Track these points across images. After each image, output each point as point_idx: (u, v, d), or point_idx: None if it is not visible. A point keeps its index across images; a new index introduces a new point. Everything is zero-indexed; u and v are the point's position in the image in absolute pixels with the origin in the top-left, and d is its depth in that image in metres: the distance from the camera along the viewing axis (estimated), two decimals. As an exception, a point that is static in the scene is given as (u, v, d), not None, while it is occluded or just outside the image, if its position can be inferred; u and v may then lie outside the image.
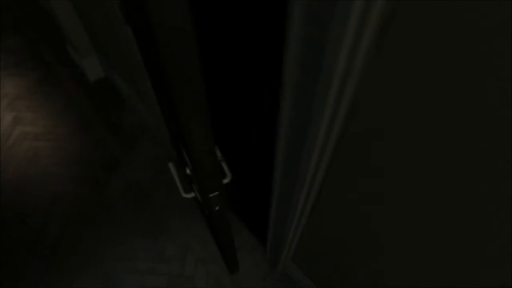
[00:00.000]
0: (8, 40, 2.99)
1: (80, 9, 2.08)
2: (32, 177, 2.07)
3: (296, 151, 0.74)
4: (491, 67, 0.37)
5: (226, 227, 1.06)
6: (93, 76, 2.53)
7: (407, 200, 0.62)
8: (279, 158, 0.83)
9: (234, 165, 2.07)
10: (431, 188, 0.56)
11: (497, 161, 0.43)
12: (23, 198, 1.99)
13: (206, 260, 1.73)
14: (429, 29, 0.39)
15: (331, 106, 0.56)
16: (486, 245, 0.55)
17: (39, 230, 1.86)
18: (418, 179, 0.57)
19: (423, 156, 0.53)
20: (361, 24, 0.43)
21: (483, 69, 0.38)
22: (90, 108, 2.41)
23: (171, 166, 0.94)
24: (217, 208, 0.88)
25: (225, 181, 0.85)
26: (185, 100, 0.51)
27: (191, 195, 0.93)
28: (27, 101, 2.50)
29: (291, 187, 0.86)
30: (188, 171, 0.83)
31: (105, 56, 2.27)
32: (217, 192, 0.82)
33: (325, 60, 0.50)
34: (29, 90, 2.57)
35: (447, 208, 0.56)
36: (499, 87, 0.38)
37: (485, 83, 0.39)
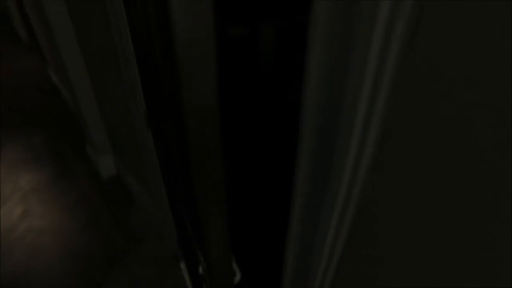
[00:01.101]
0: (33, 136, 3.22)
1: (105, 111, 2.31)
2: (32, 272, 2.03)
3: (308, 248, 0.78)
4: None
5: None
6: (106, 173, 2.66)
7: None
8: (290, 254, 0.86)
9: (242, 259, 2.03)
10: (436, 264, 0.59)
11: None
12: (17, 295, 1.92)
13: None
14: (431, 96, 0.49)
15: (345, 188, 0.63)
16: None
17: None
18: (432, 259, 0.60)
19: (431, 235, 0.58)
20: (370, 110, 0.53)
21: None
22: (99, 204, 2.48)
23: (182, 266, 0.97)
24: (226, 310, 0.87)
25: (236, 280, 0.87)
26: (210, 211, 0.59)
27: (199, 296, 0.93)
28: (39, 195, 2.58)
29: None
30: (201, 270, 0.86)
31: (120, 154, 2.43)
32: (227, 293, 0.83)
33: (336, 154, 0.59)
34: (44, 184, 2.67)
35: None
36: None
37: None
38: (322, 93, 0.53)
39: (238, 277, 0.88)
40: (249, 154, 2.51)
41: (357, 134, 0.51)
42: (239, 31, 2.02)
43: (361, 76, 0.48)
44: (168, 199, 1.77)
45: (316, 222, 0.68)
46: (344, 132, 0.53)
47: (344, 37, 0.46)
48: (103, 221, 2.35)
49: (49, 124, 3.43)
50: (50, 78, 4.38)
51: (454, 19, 0.38)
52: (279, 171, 2.22)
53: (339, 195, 0.60)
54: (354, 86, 0.49)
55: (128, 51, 1.31)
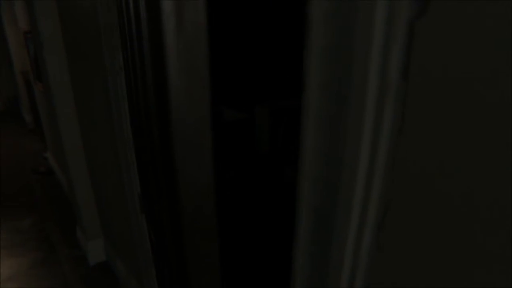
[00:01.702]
0: (23, 218, 3.12)
1: (99, 194, 2.28)
2: None
3: None
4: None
5: None
6: (94, 259, 2.52)
7: None
8: None
9: None
10: None
11: None
12: None
13: None
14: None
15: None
16: None
17: None
18: None
19: None
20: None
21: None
22: (81, 294, 2.29)
23: None
24: None
25: None
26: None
27: None
28: (17, 283, 2.40)
29: None
30: None
31: (111, 238, 2.33)
32: None
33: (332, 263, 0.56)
34: (24, 272, 2.50)
35: None
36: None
37: None
38: (318, 172, 0.53)
39: None
40: (245, 236, 2.43)
41: (357, 212, 0.50)
42: (235, 115, 2.12)
43: (356, 155, 0.48)
44: (158, 286, 1.65)
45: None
46: (342, 212, 0.52)
47: (336, 119, 0.48)
48: (84, 314, 2.15)
49: (41, 206, 3.36)
50: (47, 160, 4.42)
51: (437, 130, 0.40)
52: (276, 253, 2.12)
53: (342, 279, 0.57)
54: (349, 164, 0.49)
55: (127, 136, 1.35)
